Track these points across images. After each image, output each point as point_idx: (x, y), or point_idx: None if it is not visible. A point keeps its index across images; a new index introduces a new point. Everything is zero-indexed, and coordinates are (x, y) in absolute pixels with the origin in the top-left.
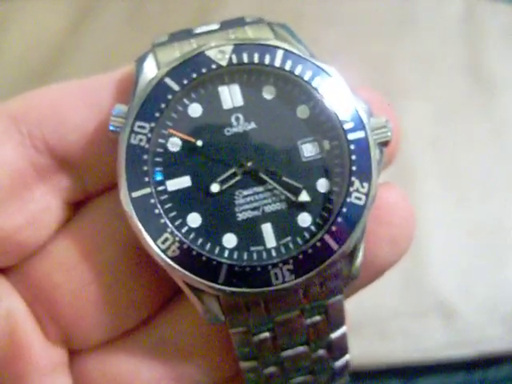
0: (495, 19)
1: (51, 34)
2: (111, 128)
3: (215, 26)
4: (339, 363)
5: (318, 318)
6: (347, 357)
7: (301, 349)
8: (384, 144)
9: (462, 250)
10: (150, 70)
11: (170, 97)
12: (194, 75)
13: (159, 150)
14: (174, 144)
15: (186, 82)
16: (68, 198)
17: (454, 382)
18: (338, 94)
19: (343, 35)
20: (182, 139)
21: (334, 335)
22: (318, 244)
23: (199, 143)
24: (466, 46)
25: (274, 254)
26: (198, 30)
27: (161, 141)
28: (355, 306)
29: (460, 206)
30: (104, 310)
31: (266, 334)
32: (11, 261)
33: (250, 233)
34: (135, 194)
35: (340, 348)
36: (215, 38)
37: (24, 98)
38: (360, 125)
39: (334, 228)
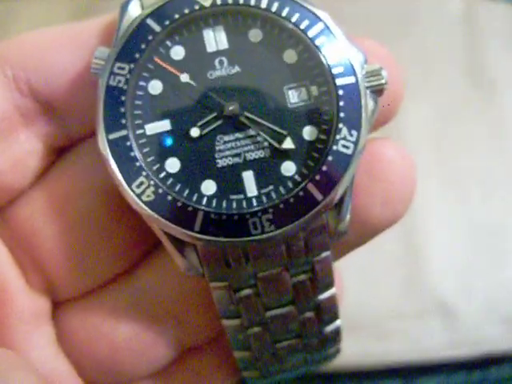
0: (495, 19)
1: None
2: (92, 70)
3: None
4: (329, 328)
5: (303, 276)
6: (338, 322)
7: (286, 309)
8: (377, 92)
9: (462, 249)
10: (134, 12)
11: (150, 37)
12: (176, 16)
13: (139, 92)
14: (155, 87)
15: (167, 22)
16: (52, 143)
17: (453, 382)
18: (329, 39)
19: None
20: (166, 70)
21: (322, 296)
22: (301, 193)
23: (183, 78)
24: (466, 46)
25: (254, 203)
26: None
27: (141, 83)
28: (355, 305)
29: (460, 206)
30: (84, 257)
31: (249, 291)
32: None
33: (230, 180)
34: (112, 136)
35: (329, 311)
36: None
37: (10, 41)
38: (350, 70)
39: (318, 177)
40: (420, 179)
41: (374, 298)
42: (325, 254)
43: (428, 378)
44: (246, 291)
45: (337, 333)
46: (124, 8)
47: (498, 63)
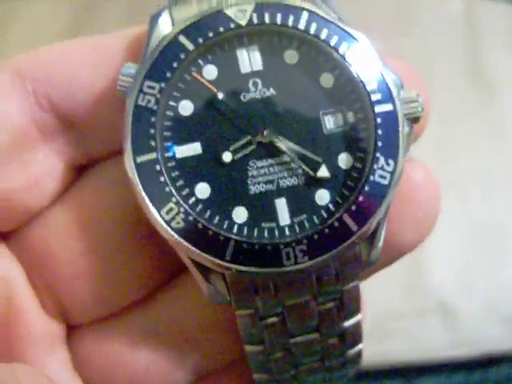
0: (495, 19)
1: (51, 34)
2: (119, 88)
3: None
4: (352, 351)
5: (331, 304)
6: (360, 346)
7: (310, 336)
8: (414, 120)
9: (462, 249)
10: (164, 28)
11: (183, 56)
12: (211, 34)
13: (169, 113)
14: (186, 107)
15: (201, 40)
16: (72, 162)
17: (453, 382)
18: (366, 63)
19: None
20: (199, 89)
21: (348, 323)
22: (336, 224)
23: (220, 96)
24: (466, 46)
25: (287, 232)
26: None
27: (171, 103)
28: None
29: (460, 206)
30: (101, 282)
31: (275, 319)
32: (10, 225)
33: (262, 208)
34: (140, 159)
35: (353, 336)
36: None
37: (32, 53)
38: (388, 97)
39: (354, 207)
40: None
41: (374, 298)
42: (354, 283)
43: (428, 377)
44: (273, 319)
45: (359, 355)
46: (154, 22)
47: (498, 63)
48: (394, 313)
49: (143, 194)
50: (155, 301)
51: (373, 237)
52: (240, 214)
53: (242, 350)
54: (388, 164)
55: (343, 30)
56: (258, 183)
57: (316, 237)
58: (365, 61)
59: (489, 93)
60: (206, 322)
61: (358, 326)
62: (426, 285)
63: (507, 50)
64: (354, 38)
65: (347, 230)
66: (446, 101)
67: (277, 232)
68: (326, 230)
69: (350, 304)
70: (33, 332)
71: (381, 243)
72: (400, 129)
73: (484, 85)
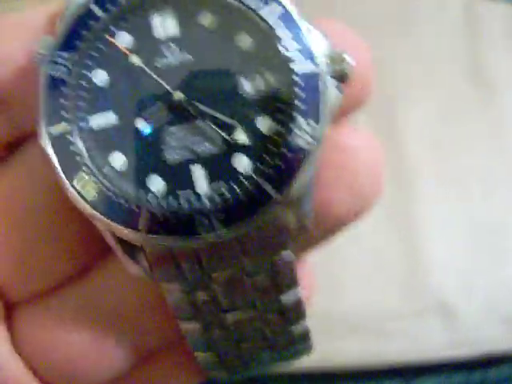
0: (495, 19)
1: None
2: (35, 60)
3: None
4: (296, 328)
5: (263, 276)
6: (305, 323)
7: (247, 312)
8: (341, 79)
9: (463, 249)
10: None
11: (93, 23)
12: (122, 0)
13: (82, 82)
14: (99, 76)
15: (110, 7)
16: (0, 139)
17: (453, 382)
18: (287, 23)
19: None
20: (113, 55)
21: (285, 297)
22: (254, 190)
23: (133, 60)
24: (466, 46)
25: (204, 199)
26: None
27: (84, 72)
28: (355, 305)
29: (460, 205)
30: (29, 258)
31: (203, 293)
32: None
33: (178, 175)
34: (53, 130)
35: (294, 313)
36: None
37: None
38: (309, 56)
39: (271, 172)
40: (420, 179)
41: (373, 298)
42: (284, 253)
43: (428, 377)
44: (200, 293)
45: (305, 333)
46: None
47: (498, 63)
48: (393, 312)
49: (56, 163)
50: (89, 276)
51: (299, 203)
52: (155, 183)
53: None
54: (309, 124)
55: None
56: (173, 149)
57: (233, 204)
58: (285, 20)
59: (489, 93)
60: (142, 298)
61: (298, 301)
62: (425, 284)
63: (507, 51)
64: None
65: (265, 195)
66: (446, 101)
67: (193, 199)
68: (243, 197)
69: (283, 276)
70: None
71: (308, 210)
72: (321, 88)
73: (484, 85)
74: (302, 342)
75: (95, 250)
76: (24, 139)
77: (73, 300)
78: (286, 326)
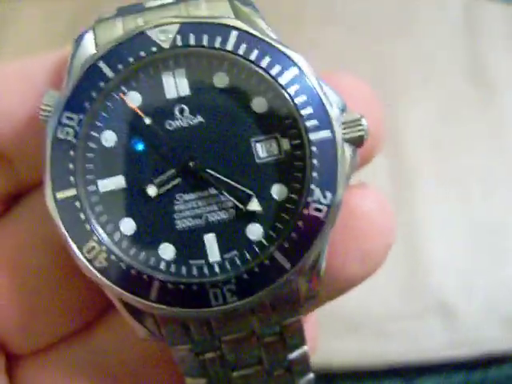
0: (495, 19)
1: (52, 34)
2: (40, 117)
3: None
4: (302, 380)
5: (272, 338)
6: (310, 375)
7: (254, 369)
8: (357, 143)
9: (463, 249)
10: (87, 51)
11: (102, 84)
12: (131, 59)
13: (91, 144)
14: (109, 138)
15: (121, 67)
16: (1, 193)
17: (453, 382)
18: (303, 86)
19: (343, 35)
20: (127, 112)
21: (292, 356)
22: (267, 262)
23: (148, 121)
24: (466, 46)
25: (216, 269)
26: (151, 4)
27: (93, 134)
28: (355, 305)
29: (461, 205)
30: (34, 314)
31: (212, 354)
32: None
33: (190, 244)
34: (60, 195)
35: (301, 367)
36: (165, 14)
37: None
38: (326, 122)
39: (286, 244)
40: (420, 179)
41: (373, 298)
42: (295, 318)
43: (428, 377)
44: (210, 354)
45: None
46: (76, 45)
47: (498, 63)
48: (394, 313)
49: (64, 231)
50: (94, 331)
51: (311, 271)
52: (167, 251)
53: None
54: (325, 196)
55: (278, 50)
56: (186, 218)
57: (245, 276)
58: (300, 83)
59: (489, 93)
60: (146, 354)
61: (305, 357)
62: (425, 284)
63: (507, 50)
64: (289, 58)
65: (279, 267)
66: (445, 101)
67: (206, 269)
68: (256, 269)
69: (292, 338)
70: None
71: (320, 278)
72: (339, 157)
73: (484, 85)
74: None
75: (99, 305)
76: (23, 193)
77: (77, 354)
78: (292, 381)
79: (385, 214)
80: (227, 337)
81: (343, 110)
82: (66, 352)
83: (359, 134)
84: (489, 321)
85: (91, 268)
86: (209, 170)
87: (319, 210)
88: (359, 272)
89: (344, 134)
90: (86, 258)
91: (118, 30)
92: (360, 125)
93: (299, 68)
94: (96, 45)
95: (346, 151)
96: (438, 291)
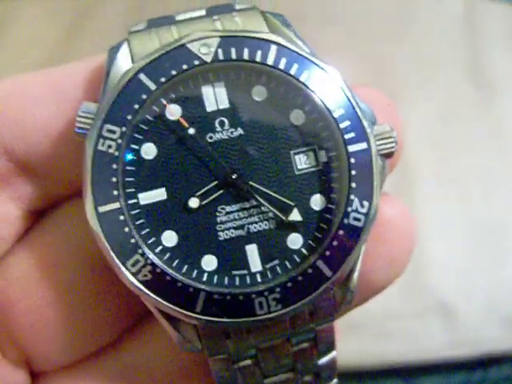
0: (495, 19)
1: (52, 34)
2: (77, 130)
3: (200, 13)
4: None
5: (305, 344)
6: (335, 380)
7: (285, 376)
8: (388, 155)
9: (463, 249)
10: (123, 63)
11: (144, 97)
12: (174, 72)
13: (131, 157)
14: (149, 150)
15: (163, 80)
16: (29, 206)
17: (453, 382)
18: (339, 99)
19: (343, 35)
20: (167, 125)
21: (322, 361)
22: (310, 270)
23: (191, 131)
24: (467, 46)
25: (259, 279)
26: (181, 17)
27: (134, 147)
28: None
29: (461, 205)
30: (66, 331)
31: (248, 362)
32: None
33: (232, 255)
34: (102, 209)
35: (328, 372)
36: (199, 27)
37: None
38: (362, 135)
39: (327, 252)
40: (421, 179)
41: (374, 298)
42: (329, 324)
43: (428, 377)
44: (246, 362)
45: None
46: (112, 57)
47: (498, 63)
48: (393, 312)
49: (107, 245)
50: (125, 345)
51: (347, 278)
52: (209, 262)
53: None
54: (362, 206)
55: (315, 63)
56: (228, 229)
57: (289, 284)
58: (337, 96)
59: (489, 93)
60: (177, 367)
61: (333, 361)
62: (425, 284)
63: (507, 50)
64: (325, 71)
65: (321, 275)
66: (446, 101)
67: (248, 279)
68: (300, 277)
69: (324, 343)
70: None
71: (355, 284)
72: (374, 169)
73: (484, 85)
74: None
75: (130, 320)
76: (48, 207)
77: (108, 368)
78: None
79: (408, 220)
80: (264, 344)
81: (373, 122)
82: (94, 367)
83: (391, 145)
84: (489, 321)
85: (135, 281)
86: (251, 183)
87: (358, 220)
88: (387, 277)
89: (377, 145)
90: (129, 271)
91: (154, 42)
92: (391, 137)
93: (335, 81)
94: (132, 56)
95: (379, 163)
96: (438, 291)
